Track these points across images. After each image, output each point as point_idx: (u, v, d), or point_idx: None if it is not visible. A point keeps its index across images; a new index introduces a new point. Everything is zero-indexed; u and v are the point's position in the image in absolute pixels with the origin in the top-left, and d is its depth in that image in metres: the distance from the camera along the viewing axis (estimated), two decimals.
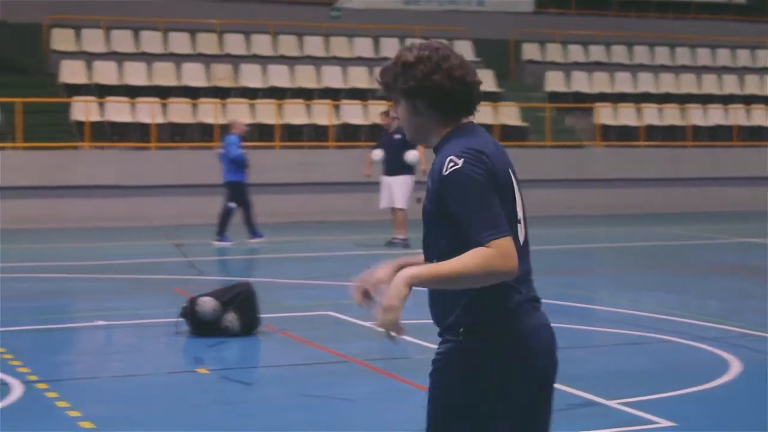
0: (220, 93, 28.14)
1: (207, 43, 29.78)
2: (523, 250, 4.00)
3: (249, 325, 11.43)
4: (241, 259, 19.28)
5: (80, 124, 26.05)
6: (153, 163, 25.41)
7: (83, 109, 26.12)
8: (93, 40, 28.91)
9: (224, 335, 11.20)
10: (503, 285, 3.93)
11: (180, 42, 29.59)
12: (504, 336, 3.99)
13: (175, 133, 26.81)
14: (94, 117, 26.25)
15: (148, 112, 26.66)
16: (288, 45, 30.54)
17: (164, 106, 27.08)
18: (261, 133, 26.85)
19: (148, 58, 28.73)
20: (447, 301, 4.03)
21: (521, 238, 4.02)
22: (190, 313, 11.38)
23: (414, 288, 3.86)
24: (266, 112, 27.52)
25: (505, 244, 3.84)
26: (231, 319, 11.32)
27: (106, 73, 27.83)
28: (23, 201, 24.26)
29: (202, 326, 11.30)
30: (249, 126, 23.81)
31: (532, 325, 4.04)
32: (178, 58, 28.88)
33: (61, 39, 28.73)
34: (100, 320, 12.28)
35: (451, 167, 3.91)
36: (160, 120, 26.62)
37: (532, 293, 4.08)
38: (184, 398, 8.82)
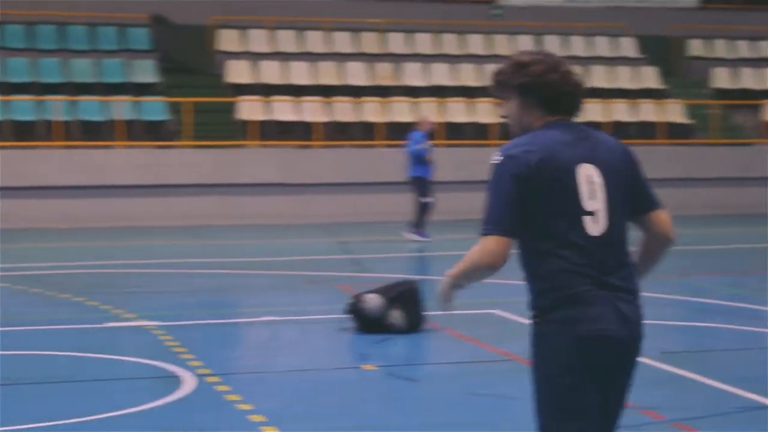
0: (383, 92, 28.34)
1: (370, 43, 30.03)
2: (598, 241, 4.35)
3: (414, 323, 11.50)
4: (405, 257, 19.39)
5: (246, 123, 26.53)
6: (316, 161, 25.75)
7: (249, 109, 26.60)
8: (258, 40, 29.41)
9: (389, 332, 11.30)
10: (565, 273, 4.33)
11: (343, 41, 29.90)
12: (559, 321, 4.37)
13: (338, 132, 27.11)
14: (260, 116, 26.71)
15: (311, 111, 27.02)
16: (450, 43, 30.60)
17: (327, 105, 27.40)
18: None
19: (312, 57, 29.11)
20: (527, 288, 4.49)
21: (594, 231, 4.35)
22: (355, 309, 11.50)
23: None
24: (428, 111, 27.61)
25: (489, 241, 4.31)
26: (396, 316, 11.41)
27: (271, 72, 28.28)
28: (192, 198, 24.82)
29: (367, 323, 11.41)
30: (411, 124, 23.92)
31: (594, 312, 4.33)
32: (341, 58, 29.19)
33: (228, 40, 29.29)
34: (268, 316, 12.50)
35: (492, 161, 4.42)
36: (323, 119, 26.95)
37: (609, 281, 4.36)
38: (351, 394, 8.94)
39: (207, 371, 9.57)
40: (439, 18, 31.08)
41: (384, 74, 28.98)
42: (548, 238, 4.38)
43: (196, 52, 29.37)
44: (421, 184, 20.71)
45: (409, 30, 30.56)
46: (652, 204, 4.59)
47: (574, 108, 4.56)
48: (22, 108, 25.61)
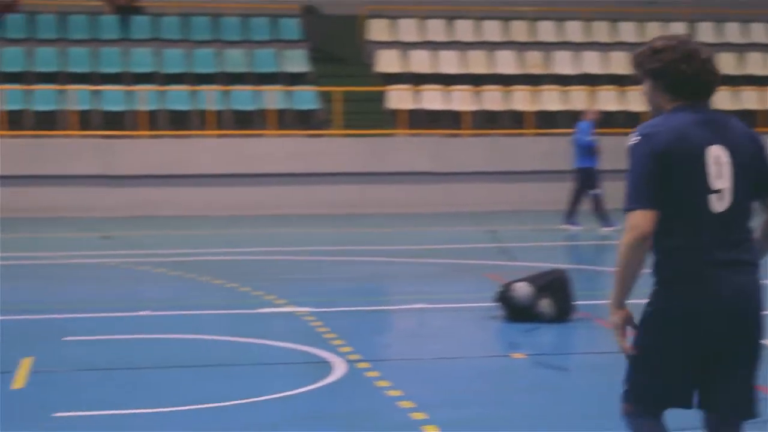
0: (532, 80, 28.19)
1: (520, 31, 29.89)
2: (721, 218, 4.60)
3: (563, 312, 11.44)
4: (555, 246, 19.28)
5: (395, 111, 26.66)
6: (466, 149, 25.75)
7: (398, 98, 26.72)
8: (408, 29, 29.51)
9: (538, 321, 11.26)
10: (686, 249, 4.61)
11: (492, 30, 29.81)
12: (675, 294, 4.67)
13: (487, 120, 27.07)
14: (409, 105, 26.81)
15: (460, 99, 27.02)
16: (601, 31, 30.28)
17: (477, 93, 27.37)
18: (573, 119, 26.71)
19: (461, 46, 29.10)
20: (651, 260, 4.77)
21: (718, 208, 4.60)
22: (504, 298, 11.49)
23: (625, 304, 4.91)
24: (578, 100, 27.39)
25: (633, 216, 4.56)
26: (545, 304, 11.37)
27: (420, 61, 28.36)
28: (342, 186, 25.05)
29: (516, 311, 11.39)
30: (563, 113, 23.80)
31: (710, 288, 4.60)
32: (490, 46, 29.12)
33: (378, 29, 29.46)
34: (418, 303, 12.55)
35: (629, 142, 4.70)
36: (472, 107, 26.93)
37: (728, 257, 4.59)
38: (500, 382, 8.93)
39: (357, 357, 9.67)
40: (590, 6, 30.76)
41: (534, 62, 28.82)
42: (675, 215, 4.62)
43: (346, 42, 29.59)
44: (589, 175, 20.50)
45: (560, 18, 30.33)
46: None
47: (705, 93, 4.75)
48: (177, 98, 26.14)
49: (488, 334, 11.17)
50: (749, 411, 4.80)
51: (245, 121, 26.28)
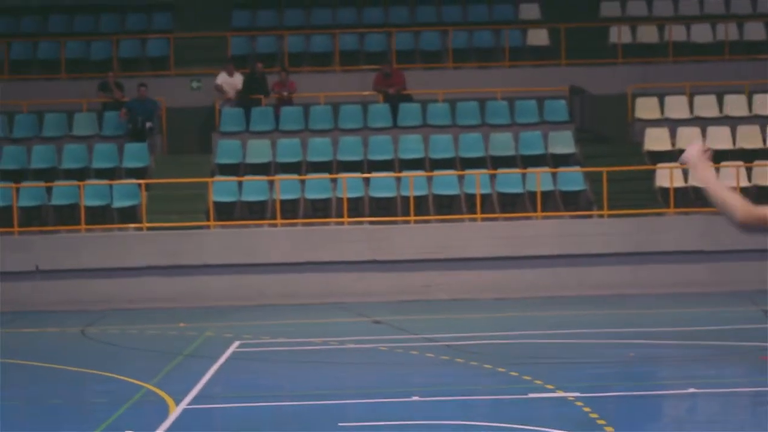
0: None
1: None
2: None
3: None
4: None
5: (665, 190, 26.34)
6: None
7: (667, 176, 26.40)
8: (676, 106, 29.16)
9: None
10: None
11: (764, 104, 29.10)
12: None
13: (762, 197, 26.38)
14: (679, 183, 26.45)
15: (731, 176, 26.48)
16: None
17: (749, 169, 26.75)
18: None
19: (731, 121, 28.54)
20: None
21: None
22: None
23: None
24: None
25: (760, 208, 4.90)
26: None
27: (689, 138, 27.95)
28: (608, 268, 24.84)
29: None
30: None
31: None
32: (763, 120, 28.45)
33: (645, 107, 29.23)
34: (691, 388, 12.32)
35: None
36: (744, 183, 26.32)
37: None
38: None
39: None
40: None
41: None
42: None
43: (614, 122, 29.44)
44: None
45: None
46: None
47: None
48: (445, 182, 26.57)
49: (763, 420, 10.85)
50: None
51: (512, 203, 26.47)
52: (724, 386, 12.54)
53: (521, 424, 10.66)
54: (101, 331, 20.16)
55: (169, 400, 12.42)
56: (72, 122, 28.45)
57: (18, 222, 25.38)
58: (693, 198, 26.34)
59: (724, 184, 5.16)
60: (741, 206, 5.04)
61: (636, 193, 26.63)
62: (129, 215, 25.98)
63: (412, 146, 27.85)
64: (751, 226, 4.98)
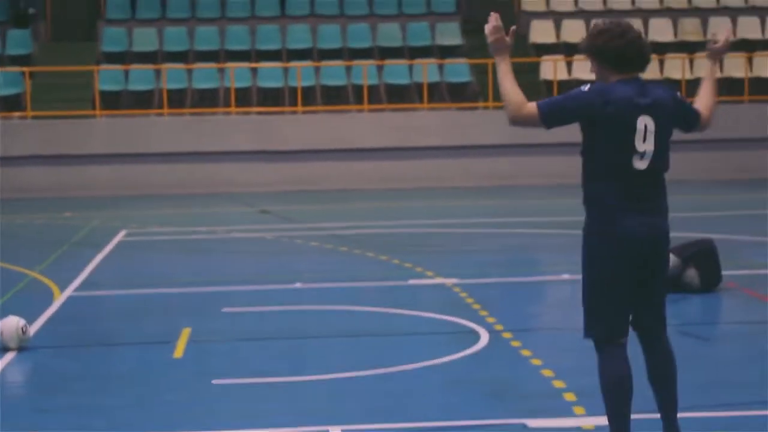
0: (688, 47, 27.88)
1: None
2: (637, 174, 5.80)
3: (710, 282, 11.49)
4: (702, 216, 19.15)
5: (548, 82, 26.69)
6: None
7: (551, 68, 26.74)
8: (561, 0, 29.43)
9: (684, 291, 11.33)
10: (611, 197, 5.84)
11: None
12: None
13: None
14: (562, 76, 26.81)
15: None
16: None
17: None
18: (730, 87, 26.37)
19: (615, 15, 28.89)
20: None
21: (640, 166, 5.81)
22: None
23: None
24: (735, 67, 26.99)
25: (527, 106, 5.84)
26: (692, 275, 11.43)
27: (574, 31, 28.27)
28: (494, 159, 25.22)
29: None
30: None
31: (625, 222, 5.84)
32: (644, 14, 28.87)
33: (532, 0, 29.45)
34: (565, 274, 12.71)
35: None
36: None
37: (637, 204, 5.84)
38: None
39: (501, 327, 9.94)
40: None
41: (689, 30, 28.45)
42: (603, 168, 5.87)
43: (500, 13, 29.50)
44: None
45: None
46: (696, 114, 6.06)
47: (638, 67, 5.89)
48: (333, 73, 26.60)
49: None
50: None
51: (399, 94, 26.62)
52: None
53: (400, 309, 10.97)
54: None
55: (55, 288, 12.51)
56: None
57: None
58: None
59: (510, 76, 6.00)
60: (515, 102, 5.86)
61: (522, 86, 26.85)
62: (13, 103, 25.64)
63: (300, 36, 27.78)
64: (519, 122, 5.88)
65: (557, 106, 5.85)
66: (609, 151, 5.82)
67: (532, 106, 5.84)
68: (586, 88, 5.85)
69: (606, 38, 5.90)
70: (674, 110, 5.96)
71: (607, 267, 5.89)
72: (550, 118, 5.82)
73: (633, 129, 5.80)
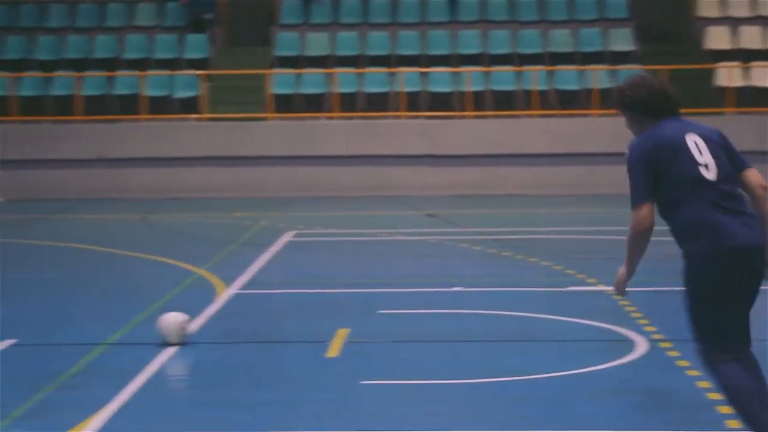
0: None
1: None
2: (712, 186, 5.85)
3: None
4: None
5: (722, 89, 26.15)
6: None
7: (727, 75, 26.19)
8: (738, 5, 28.79)
9: None
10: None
11: None
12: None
13: None
14: (738, 83, 26.23)
15: None
16: None
17: None
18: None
19: None
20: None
21: (710, 177, 5.85)
22: None
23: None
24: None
25: (636, 211, 5.89)
26: None
27: (751, 37, 27.65)
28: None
29: None
30: None
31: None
32: None
33: (707, 5, 28.89)
34: None
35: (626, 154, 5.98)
36: None
37: (730, 207, 5.86)
38: None
39: (660, 336, 9.78)
40: None
41: None
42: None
43: (675, 19, 29.14)
44: None
45: None
46: (743, 164, 6.04)
47: (669, 110, 5.99)
48: (503, 78, 26.56)
49: None
50: None
51: (570, 100, 26.42)
52: None
53: (559, 315, 10.89)
54: (160, 219, 20.60)
55: (220, 285, 12.78)
56: (134, 12, 28.65)
57: (81, 111, 25.76)
58: (752, 98, 26.13)
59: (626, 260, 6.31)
60: (633, 229, 6.01)
61: (695, 92, 26.44)
62: (189, 106, 26.28)
63: (470, 41, 27.81)
64: (647, 228, 5.96)
65: (640, 185, 5.89)
66: (677, 171, 5.85)
67: (635, 213, 5.92)
68: (631, 147, 5.96)
69: (631, 93, 6.01)
70: (720, 141, 6.00)
71: (721, 284, 6.12)
72: (647, 198, 5.88)
73: (686, 146, 5.88)
